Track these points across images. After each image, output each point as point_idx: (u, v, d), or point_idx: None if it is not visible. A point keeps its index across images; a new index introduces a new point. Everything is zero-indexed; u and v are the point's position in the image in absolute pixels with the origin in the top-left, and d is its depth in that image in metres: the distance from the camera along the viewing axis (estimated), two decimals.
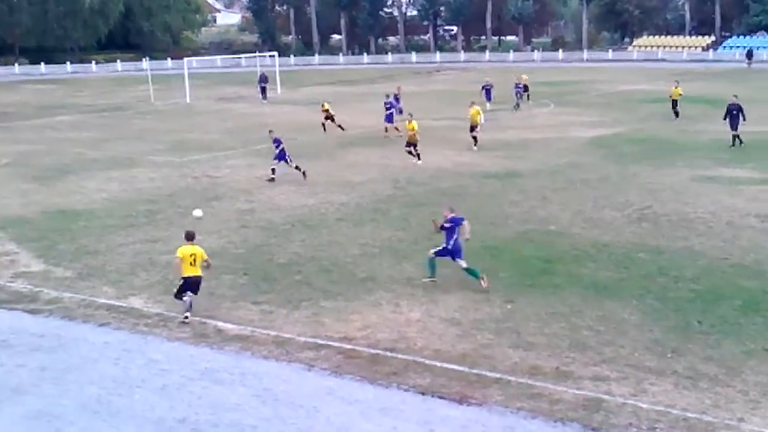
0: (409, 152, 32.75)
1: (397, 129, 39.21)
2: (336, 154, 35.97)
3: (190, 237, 16.89)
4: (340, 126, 41.15)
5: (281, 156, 29.86)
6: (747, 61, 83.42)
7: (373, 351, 14.69)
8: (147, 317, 16.66)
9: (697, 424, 11.94)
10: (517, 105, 50.83)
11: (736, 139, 34.91)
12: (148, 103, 61.67)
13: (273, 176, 29.77)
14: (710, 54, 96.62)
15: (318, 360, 14.39)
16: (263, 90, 60.78)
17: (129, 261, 20.52)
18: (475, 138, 36.54)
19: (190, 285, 16.57)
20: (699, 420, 12.02)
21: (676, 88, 44.86)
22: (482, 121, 37.20)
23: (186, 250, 16.64)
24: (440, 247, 18.06)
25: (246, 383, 13.59)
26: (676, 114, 44.33)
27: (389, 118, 39.91)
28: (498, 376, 13.54)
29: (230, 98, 63.74)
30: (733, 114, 35.05)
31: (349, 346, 14.91)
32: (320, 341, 15.17)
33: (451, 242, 17.88)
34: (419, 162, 32.27)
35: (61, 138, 43.70)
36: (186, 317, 16.35)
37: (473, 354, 14.47)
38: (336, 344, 15.02)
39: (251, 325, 16.05)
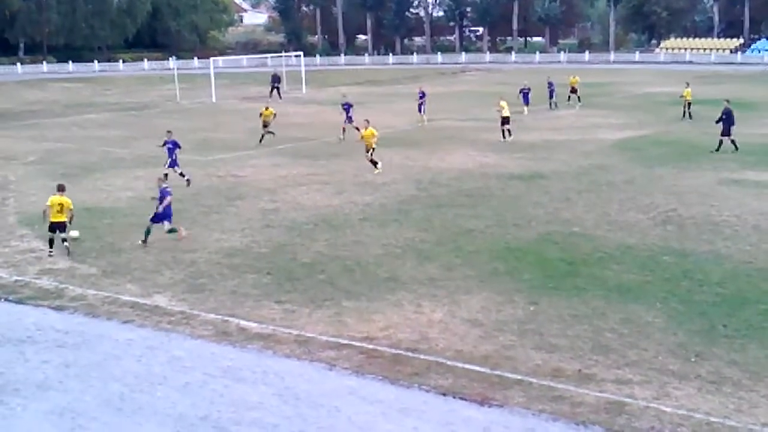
0: (372, 161, 31.10)
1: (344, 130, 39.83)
2: (359, 154, 35.96)
3: (61, 189, 20.89)
4: (270, 132, 39.69)
5: (173, 162, 29.86)
6: None
7: (394, 351, 14.68)
8: (170, 315, 16.74)
9: (720, 428, 11.84)
10: (555, 104, 52.18)
11: (733, 144, 34.45)
12: (175, 102, 62.09)
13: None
14: (738, 56, 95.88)
15: (339, 359, 14.40)
16: (277, 89, 61.46)
17: (153, 259, 20.62)
18: (503, 132, 38.57)
19: (54, 228, 20.65)
20: (722, 424, 11.92)
21: (687, 89, 45.67)
22: (504, 113, 38.82)
23: (55, 199, 20.54)
24: (153, 214, 21.88)
25: (268, 382, 13.62)
26: (690, 115, 44.86)
27: (349, 119, 39.79)
28: (520, 377, 13.49)
29: (255, 98, 63.87)
30: (724, 119, 34.81)
31: (370, 346, 14.91)
32: (342, 341, 15.18)
33: (161, 208, 21.55)
34: (377, 171, 30.87)
35: (88, 136, 44.03)
36: (50, 253, 20.74)
37: (495, 355, 14.43)
38: (358, 344, 15.02)
39: (273, 324, 16.08)
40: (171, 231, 21.91)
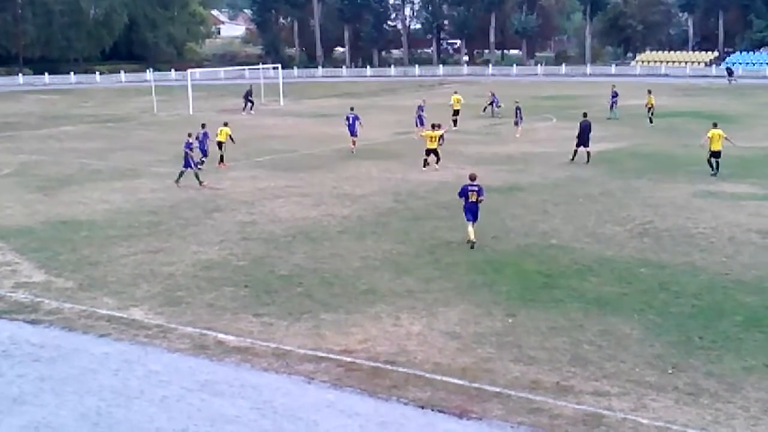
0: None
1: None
2: (337, 166, 36.00)
3: None
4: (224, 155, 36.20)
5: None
6: (728, 78, 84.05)
7: (373, 364, 14.67)
8: (147, 328, 16.64)
9: None
10: (498, 115, 54.89)
11: (586, 155, 35.81)
12: (152, 114, 61.89)
13: None
14: (713, 69, 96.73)
15: (318, 372, 14.36)
16: (250, 102, 62.03)
17: (130, 272, 20.51)
18: (455, 121, 47.22)
19: None
20: None
21: (649, 96, 49.77)
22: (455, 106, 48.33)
23: None
24: None
25: (245, 395, 13.56)
26: (651, 120, 48.64)
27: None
28: (498, 390, 13.51)
29: (233, 110, 63.71)
30: (583, 130, 36.15)
31: (349, 359, 14.88)
32: (320, 354, 15.15)
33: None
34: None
35: (65, 148, 43.77)
36: None
37: (473, 368, 14.44)
38: (336, 357, 15.00)
39: (251, 337, 16.02)
40: None
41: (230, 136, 36.22)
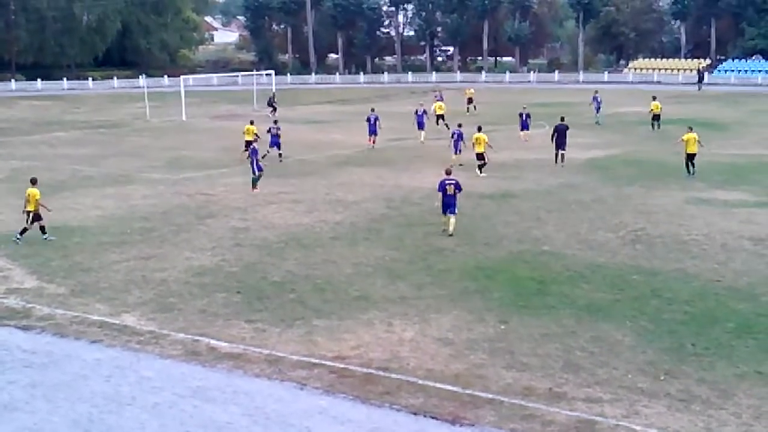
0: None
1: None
2: (330, 173, 36.01)
3: (33, 182, 24.65)
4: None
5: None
6: (698, 84, 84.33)
7: (365, 370, 14.66)
8: (139, 334, 16.61)
9: None
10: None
11: (561, 158, 37.13)
12: (144, 120, 61.80)
13: None
14: (705, 77, 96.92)
15: (310, 379, 14.35)
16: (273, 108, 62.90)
17: (122, 278, 20.47)
18: (446, 125, 45.66)
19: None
20: None
21: (654, 102, 50.06)
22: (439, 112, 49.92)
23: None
24: None
25: (238, 402, 13.54)
26: (659, 126, 48.93)
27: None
28: (491, 396, 13.51)
29: (226, 116, 63.82)
30: (560, 133, 37.16)
31: (341, 365, 14.88)
32: (313, 360, 15.14)
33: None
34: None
35: (57, 154, 43.69)
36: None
37: (466, 374, 14.44)
38: (329, 363, 14.99)
39: (244, 344, 16.01)
40: None
41: (256, 134, 38.68)
